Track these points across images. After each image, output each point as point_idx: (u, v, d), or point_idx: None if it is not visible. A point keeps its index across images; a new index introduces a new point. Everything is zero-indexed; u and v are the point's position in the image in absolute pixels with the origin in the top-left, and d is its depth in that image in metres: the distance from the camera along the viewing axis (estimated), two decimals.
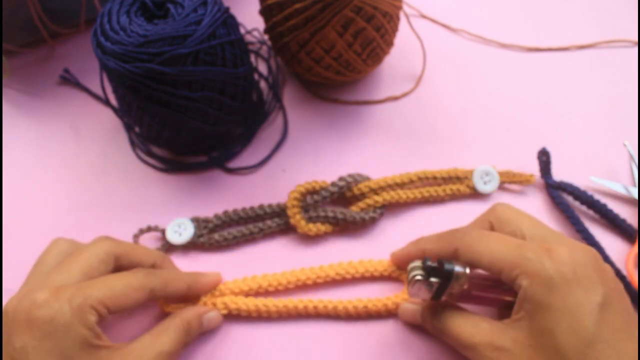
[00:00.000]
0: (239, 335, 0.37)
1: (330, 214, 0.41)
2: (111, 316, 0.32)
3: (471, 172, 0.43)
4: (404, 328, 0.37)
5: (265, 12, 0.45)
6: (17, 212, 0.44)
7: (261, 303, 0.37)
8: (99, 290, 0.30)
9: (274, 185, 0.44)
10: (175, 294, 0.35)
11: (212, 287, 0.38)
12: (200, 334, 0.36)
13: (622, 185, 0.43)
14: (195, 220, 0.42)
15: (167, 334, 0.33)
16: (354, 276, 0.39)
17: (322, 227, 0.41)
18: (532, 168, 0.44)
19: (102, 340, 0.30)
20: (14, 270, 0.41)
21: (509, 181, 0.43)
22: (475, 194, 0.43)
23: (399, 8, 0.45)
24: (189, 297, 0.37)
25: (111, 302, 0.30)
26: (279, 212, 0.42)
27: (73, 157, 0.47)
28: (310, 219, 0.41)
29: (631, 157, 0.44)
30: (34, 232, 0.43)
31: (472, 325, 0.31)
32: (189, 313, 0.35)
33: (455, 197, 0.43)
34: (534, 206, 0.43)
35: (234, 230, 0.41)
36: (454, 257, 0.32)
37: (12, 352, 0.28)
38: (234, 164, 0.46)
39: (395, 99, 0.50)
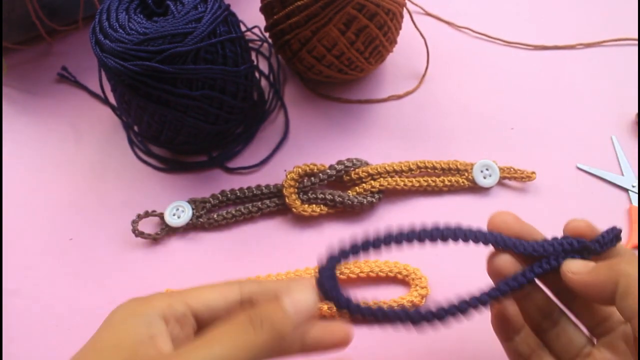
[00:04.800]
0: None
1: (329, 197, 0.41)
2: None
3: (471, 165, 0.43)
4: (408, 331, 0.37)
5: (266, 9, 0.44)
6: (16, 211, 0.44)
7: None
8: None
9: None
10: (275, 297, 0.24)
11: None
12: (296, 329, 0.24)
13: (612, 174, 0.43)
14: (193, 202, 0.42)
15: (218, 335, 0.22)
16: (359, 276, 0.38)
17: (317, 209, 0.41)
18: (538, 167, 0.43)
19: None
20: (14, 270, 0.41)
21: (510, 177, 0.43)
22: (474, 188, 0.43)
23: (402, 5, 0.44)
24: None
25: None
26: (276, 192, 0.42)
27: (71, 156, 0.47)
28: (307, 201, 0.41)
29: None
30: (32, 231, 0.42)
31: None
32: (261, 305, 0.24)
33: (453, 189, 0.43)
34: (536, 205, 0.42)
35: (233, 210, 0.42)
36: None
37: None
38: (234, 163, 0.45)
39: (398, 97, 0.49)
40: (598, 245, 0.27)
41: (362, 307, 0.26)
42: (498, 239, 0.27)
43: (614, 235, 0.27)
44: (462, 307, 0.27)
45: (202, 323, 0.25)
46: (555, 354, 0.28)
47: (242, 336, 0.22)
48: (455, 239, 0.27)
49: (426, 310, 0.26)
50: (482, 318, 0.33)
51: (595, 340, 0.28)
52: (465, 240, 0.27)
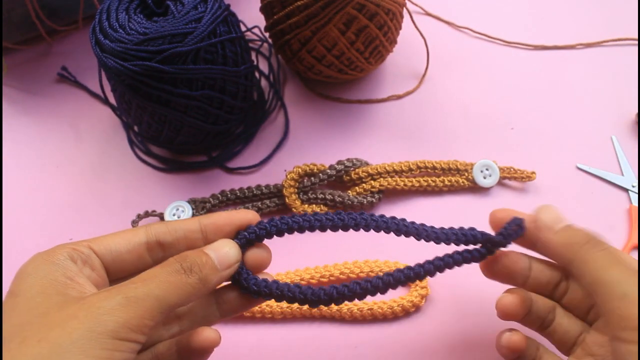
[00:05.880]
0: (242, 337, 0.37)
1: (329, 197, 0.41)
2: None
3: (471, 165, 0.43)
4: (408, 331, 0.37)
5: (266, 9, 0.44)
6: (16, 211, 0.44)
7: (265, 304, 0.37)
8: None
9: None
10: (183, 236, 0.28)
11: (230, 226, 0.29)
12: (220, 278, 0.27)
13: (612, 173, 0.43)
14: (193, 202, 0.42)
15: (154, 275, 0.25)
16: (358, 276, 0.38)
17: (317, 209, 0.41)
18: (538, 167, 0.43)
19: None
20: (14, 270, 0.41)
21: (510, 177, 0.43)
22: (474, 188, 0.43)
23: (402, 5, 0.44)
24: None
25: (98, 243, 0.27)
26: (276, 192, 0.42)
27: (71, 156, 0.46)
28: (307, 201, 0.41)
29: None
30: (32, 231, 0.42)
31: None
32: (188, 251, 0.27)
33: (453, 189, 0.43)
34: (536, 205, 0.42)
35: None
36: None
37: None
38: (234, 163, 0.45)
39: (398, 97, 0.49)
40: (502, 237, 0.30)
41: (258, 281, 0.29)
42: (412, 229, 0.31)
43: (516, 225, 0.30)
44: (378, 284, 0.30)
45: (108, 268, 0.27)
46: (556, 344, 0.31)
47: (175, 278, 0.24)
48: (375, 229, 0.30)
49: (320, 290, 0.29)
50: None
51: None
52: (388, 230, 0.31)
